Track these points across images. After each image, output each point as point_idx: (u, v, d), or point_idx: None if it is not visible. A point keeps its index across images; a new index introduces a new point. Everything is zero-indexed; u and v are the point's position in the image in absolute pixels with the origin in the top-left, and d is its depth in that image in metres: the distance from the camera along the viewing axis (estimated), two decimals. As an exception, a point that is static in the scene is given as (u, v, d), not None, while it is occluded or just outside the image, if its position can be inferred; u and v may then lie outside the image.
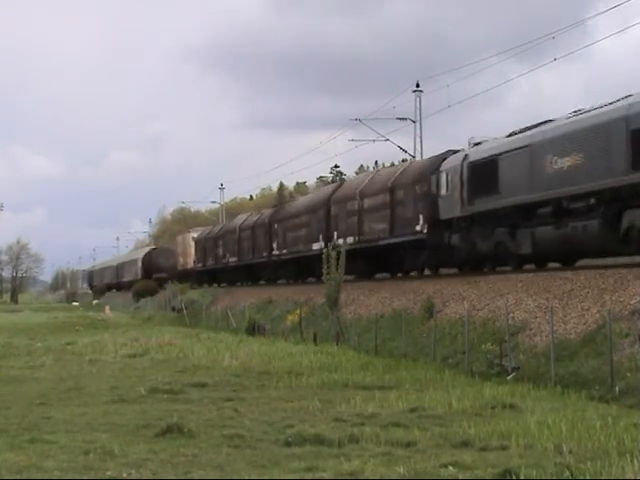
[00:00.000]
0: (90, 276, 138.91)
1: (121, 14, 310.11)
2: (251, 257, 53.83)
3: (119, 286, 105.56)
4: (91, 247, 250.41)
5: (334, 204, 41.03)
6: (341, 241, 37.24)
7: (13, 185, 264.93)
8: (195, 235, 72.38)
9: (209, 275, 66.56)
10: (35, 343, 33.30)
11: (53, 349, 30.30)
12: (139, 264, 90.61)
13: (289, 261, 47.11)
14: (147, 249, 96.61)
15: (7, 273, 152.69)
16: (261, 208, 73.30)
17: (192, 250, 71.41)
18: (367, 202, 37.41)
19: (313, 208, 43.89)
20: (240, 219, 61.00)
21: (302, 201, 50.06)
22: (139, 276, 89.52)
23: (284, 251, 47.44)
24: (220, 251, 61.96)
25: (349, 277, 36.06)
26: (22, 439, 12.51)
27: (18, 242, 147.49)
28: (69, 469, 10.46)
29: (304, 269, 44.96)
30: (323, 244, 39.19)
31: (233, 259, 58.29)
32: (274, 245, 49.01)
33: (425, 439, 12.16)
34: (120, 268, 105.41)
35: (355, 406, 15.40)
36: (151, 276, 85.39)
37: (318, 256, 34.60)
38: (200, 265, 67.69)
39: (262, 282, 53.73)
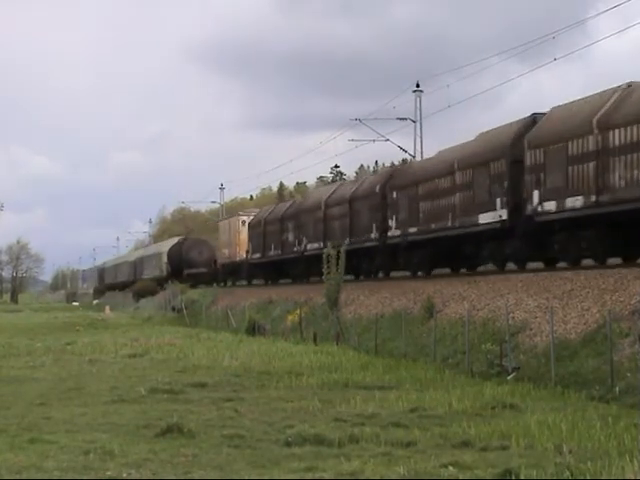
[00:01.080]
0: (100, 274, 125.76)
1: (123, 13, 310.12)
2: (350, 241, 38.27)
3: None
4: (91, 247, 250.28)
5: (534, 148, 25.96)
6: (551, 205, 24.93)
7: (14, 185, 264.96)
8: (248, 218, 58.18)
9: (270, 269, 52.31)
10: (35, 343, 33.28)
11: (53, 349, 30.28)
12: (164, 259, 76.95)
13: (422, 243, 33.51)
14: (174, 240, 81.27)
15: (7, 273, 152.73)
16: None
17: (243, 237, 57.27)
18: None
19: (482, 160, 29.07)
20: (324, 191, 46.89)
21: (449, 154, 32.98)
22: (164, 272, 75.95)
23: (412, 230, 33.93)
24: (289, 236, 47.76)
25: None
26: (22, 439, 12.51)
27: (18, 242, 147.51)
28: (69, 469, 10.46)
29: (452, 252, 31.97)
30: (504, 212, 27.46)
31: (314, 245, 43.21)
32: (391, 222, 36.04)
33: (425, 439, 12.16)
34: (139, 264, 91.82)
35: (355, 406, 15.40)
36: (181, 272, 71.57)
37: (490, 232, 27.55)
38: (257, 256, 53.37)
39: (380, 275, 39.45)
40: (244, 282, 58.88)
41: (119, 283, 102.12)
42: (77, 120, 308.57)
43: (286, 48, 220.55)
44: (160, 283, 74.75)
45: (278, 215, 50.58)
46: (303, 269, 45.31)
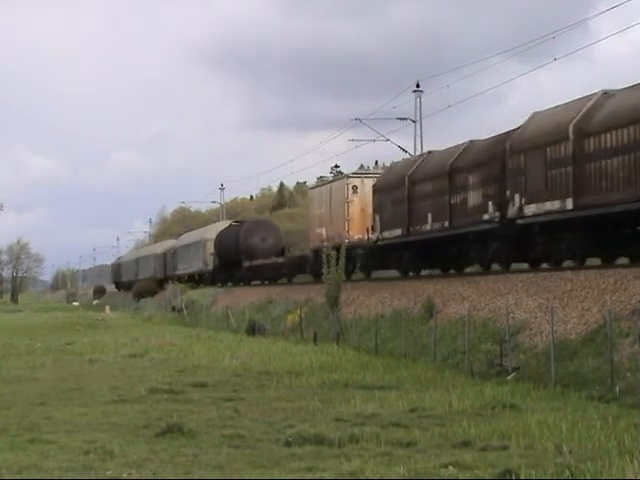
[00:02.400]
0: (116, 271, 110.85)
1: (124, 14, 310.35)
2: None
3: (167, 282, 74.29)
4: (91, 247, 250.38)
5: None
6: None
7: (15, 185, 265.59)
8: (365, 181, 39.88)
9: (421, 252, 33.22)
10: (35, 343, 33.29)
11: (53, 349, 30.30)
12: (209, 248, 61.79)
13: (576, 223, 23.81)
14: (222, 224, 65.72)
15: (7, 273, 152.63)
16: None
17: (355, 210, 39.45)
18: None
19: None
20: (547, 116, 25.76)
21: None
22: (209, 265, 62.04)
23: (554, 205, 24.12)
24: (472, 197, 29.14)
25: None
26: (22, 439, 12.52)
27: (18, 242, 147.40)
28: (69, 469, 10.47)
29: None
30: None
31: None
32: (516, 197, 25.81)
33: (425, 439, 12.16)
34: (171, 257, 76.66)
35: (355, 406, 15.40)
36: (238, 265, 55.15)
37: None
38: (395, 234, 34.49)
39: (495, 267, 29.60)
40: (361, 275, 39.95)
41: (141, 281, 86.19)
42: (78, 120, 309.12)
43: (287, 48, 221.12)
44: (203, 279, 62.96)
45: (441, 166, 31.48)
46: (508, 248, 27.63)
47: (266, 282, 52.72)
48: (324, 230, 42.06)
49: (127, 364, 24.42)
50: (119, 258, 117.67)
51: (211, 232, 64.17)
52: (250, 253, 54.01)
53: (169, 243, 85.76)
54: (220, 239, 59.52)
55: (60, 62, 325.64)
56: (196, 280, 68.10)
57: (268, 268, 52.04)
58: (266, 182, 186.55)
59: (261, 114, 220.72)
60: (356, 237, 39.04)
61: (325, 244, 37.45)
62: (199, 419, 14.09)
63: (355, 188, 39.78)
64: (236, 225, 59.82)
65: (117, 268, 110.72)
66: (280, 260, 50.78)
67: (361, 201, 39.48)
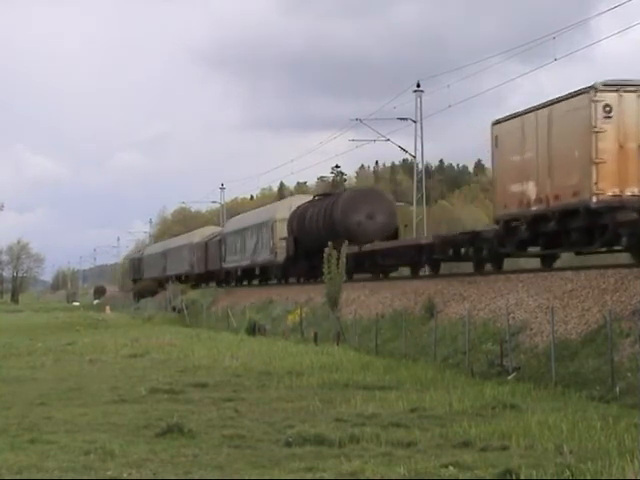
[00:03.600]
0: (135, 266, 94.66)
1: (125, 14, 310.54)
2: None
3: (210, 278, 63.77)
4: (92, 247, 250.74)
5: None
6: None
7: (16, 186, 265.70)
8: (633, 95, 22.79)
9: None
10: (35, 343, 33.28)
11: (53, 349, 30.29)
12: (279, 231, 46.86)
13: None
14: (297, 200, 49.58)
15: (7, 273, 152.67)
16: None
17: (622, 145, 22.64)
18: None
19: None
20: None
21: None
22: (280, 255, 46.61)
23: None
24: None
25: None
26: (22, 439, 12.51)
27: (18, 242, 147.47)
28: (69, 469, 10.46)
29: None
30: None
31: None
32: None
33: (425, 439, 12.15)
34: (216, 246, 60.75)
35: (355, 406, 15.39)
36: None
37: None
38: None
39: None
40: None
41: (168, 278, 72.94)
42: (78, 120, 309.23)
43: (288, 49, 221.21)
44: (268, 274, 49.77)
45: None
46: None
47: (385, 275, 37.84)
48: (531, 186, 25.41)
49: (127, 364, 24.41)
50: (139, 252, 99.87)
51: (282, 210, 48.44)
52: (352, 235, 36.48)
53: (209, 230, 71.81)
54: (299, 218, 43.08)
55: (61, 62, 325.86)
56: (256, 275, 54.01)
57: (393, 254, 35.70)
58: (266, 182, 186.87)
59: (262, 114, 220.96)
60: (612, 192, 22.62)
61: (534, 208, 24.75)
62: (199, 419, 14.08)
63: (608, 109, 22.69)
64: (326, 198, 42.78)
65: (137, 263, 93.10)
66: (422, 241, 34.02)
67: (619, 130, 22.82)
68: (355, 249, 35.73)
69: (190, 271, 68.54)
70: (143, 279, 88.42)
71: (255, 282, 57.13)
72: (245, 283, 58.72)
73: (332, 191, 48.72)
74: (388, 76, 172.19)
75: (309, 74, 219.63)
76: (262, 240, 51.20)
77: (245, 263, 54.71)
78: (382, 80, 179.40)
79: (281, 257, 47.06)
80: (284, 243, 46.12)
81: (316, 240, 38.91)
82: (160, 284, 77.39)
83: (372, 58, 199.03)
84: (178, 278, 70.67)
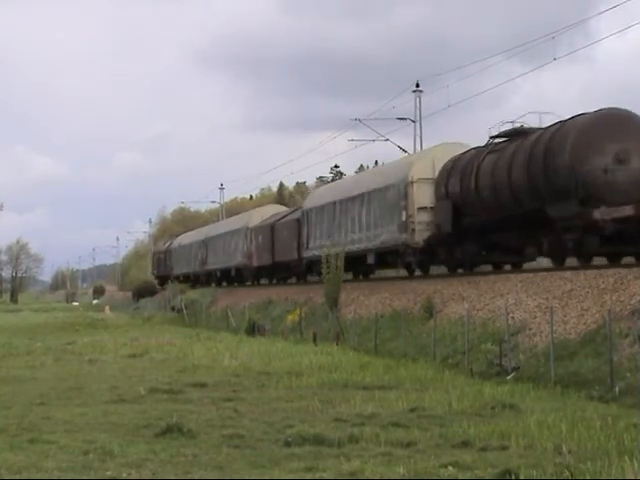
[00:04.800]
0: (160, 262, 79.94)
1: (127, 15, 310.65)
2: None
3: (278, 271, 49.48)
4: (91, 247, 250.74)
5: None
6: None
7: (16, 186, 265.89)
8: None
9: None
10: (35, 343, 33.28)
11: (53, 349, 30.28)
12: (415, 199, 32.14)
13: None
14: (453, 147, 33.00)
15: (7, 273, 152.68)
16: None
17: None
18: None
19: None
20: None
21: None
22: (419, 235, 31.88)
23: None
24: None
25: None
26: (22, 439, 12.50)
27: (18, 242, 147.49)
28: (69, 469, 10.46)
29: None
30: None
31: None
32: None
33: (425, 439, 12.15)
34: (292, 229, 45.70)
35: (355, 406, 15.39)
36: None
37: None
38: None
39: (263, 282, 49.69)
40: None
41: (210, 273, 62.77)
42: (79, 121, 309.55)
43: (289, 49, 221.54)
44: (392, 264, 35.88)
45: None
46: None
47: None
48: None
49: (127, 364, 24.41)
50: (167, 243, 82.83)
51: (423, 165, 32.80)
52: (592, 192, 23.61)
53: (270, 209, 57.14)
54: (462, 174, 29.17)
55: (62, 63, 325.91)
56: (370, 266, 37.43)
57: None
58: (266, 182, 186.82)
59: (262, 115, 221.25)
60: None
61: None
62: (199, 419, 14.08)
63: None
64: (521, 137, 27.15)
65: (164, 257, 78.56)
66: None
67: None
68: (627, 211, 22.34)
69: (246, 263, 52.78)
70: (173, 275, 72.82)
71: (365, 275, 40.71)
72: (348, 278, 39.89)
73: (529, 128, 27.22)
74: (388, 76, 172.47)
75: (310, 74, 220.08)
76: (382, 212, 34.40)
77: (353, 248, 36.26)
78: (382, 80, 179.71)
79: (421, 236, 31.68)
80: (425, 215, 31.91)
81: (503, 205, 27.12)
82: (196, 281, 66.09)
83: (372, 58, 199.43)
84: (225, 273, 58.77)
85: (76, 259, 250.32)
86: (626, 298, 19.36)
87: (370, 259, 36.42)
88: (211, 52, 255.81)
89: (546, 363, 18.76)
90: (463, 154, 30.65)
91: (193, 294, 62.12)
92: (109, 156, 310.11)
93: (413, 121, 51.20)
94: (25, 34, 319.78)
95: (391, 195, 33.88)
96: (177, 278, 71.79)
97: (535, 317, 21.65)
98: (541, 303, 22.04)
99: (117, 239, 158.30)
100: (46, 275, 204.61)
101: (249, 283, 56.32)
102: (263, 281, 53.89)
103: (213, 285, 63.23)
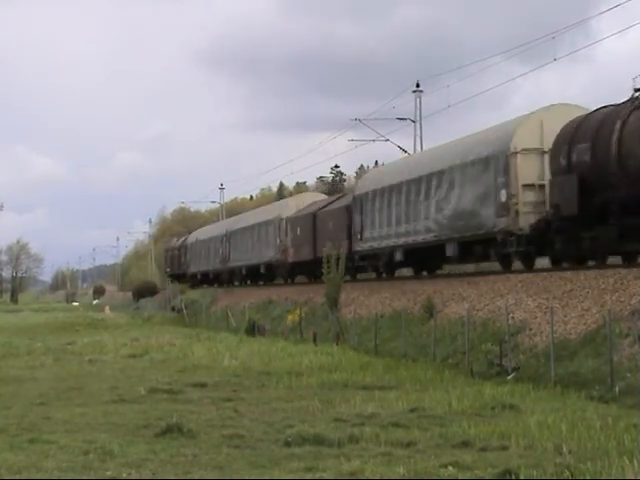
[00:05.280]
0: (173, 259, 73.11)
1: (126, 15, 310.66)
2: None
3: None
4: (91, 247, 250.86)
5: None
6: None
7: (17, 186, 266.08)
8: None
9: None
10: (35, 343, 33.28)
11: (53, 349, 30.28)
12: (519, 169, 25.97)
13: None
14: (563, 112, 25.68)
15: (7, 273, 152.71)
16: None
17: None
18: None
19: None
20: None
21: None
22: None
23: None
24: None
25: None
26: (22, 439, 12.50)
27: (18, 242, 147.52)
28: (69, 469, 10.45)
29: None
30: None
31: None
32: None
33: (425, 439, 12.15)
34: (335, 217, 40.35)
35: (355, 406, 15.39)
36: None
37: None
38: None
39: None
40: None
41: (233, 270, 56.29)
42: (80, 121, 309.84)
43: (289, 49, 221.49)
44: (482, 256, 29.78)
45: None
46: None
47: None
48: None
49: (127, 364, 24.41)
50: (182, 239, 73.70)
51: (528, 132, 26.88)
52: None
53: (307, 197, 50.08)
54: (595, 138, 23.16)
55: (62, 63, 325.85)
56: (447, 260, 32.00)
57: None
58: (266, 182, 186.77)
59: (262, 115, 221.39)
60: None
61: None
62: (199, 419, 14.07)
63: None
64: None
65: (178, 253, 71.64)
66: None
67: None
68: None
69: (279, 259, 46.05)
70: (189, 274, 67.73)
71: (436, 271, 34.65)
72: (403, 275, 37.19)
73: None
74: (388, 76, 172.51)
75: (310, 74, 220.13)
76: (472, 192, 28.49)
77: (426, 237, 31.33)
78: (382, 80, 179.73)
79: (526, 220, 26.03)
80: (531, 195, 26.25)
81: None
82: (216, 280, 60.51)
83: (372, 58, 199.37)
84: (252, 271, 52.11)
85: (76, 259, 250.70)
86: (626, 298, 19.35)
87: (450, 250, 29.98)
88: (211, 52, 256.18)
89: (546, 363, 18.75)
90: (591, 114, 24.04)
91: (193, 294, 62.13)
92: (109, 156, 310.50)
93: (413, 121, 51.20)
94: (25, 34, 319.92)
95: (485, 171, 27.74)
96: (194, 277, 66.75)
97: (535, 317, 21.65)
98: (541, 303, 22.03)
99: (117, 239, 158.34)
100: (46, 275, 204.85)
101: (281, 282, 49.65)
102: (300, 279, 46.94)
103: (237, 284, 56.78)
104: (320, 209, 43.21)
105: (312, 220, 42.86)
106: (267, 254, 49.02)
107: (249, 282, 55.36)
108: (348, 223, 38.22)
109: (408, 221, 32.37)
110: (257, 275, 52.68)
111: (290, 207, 48.76)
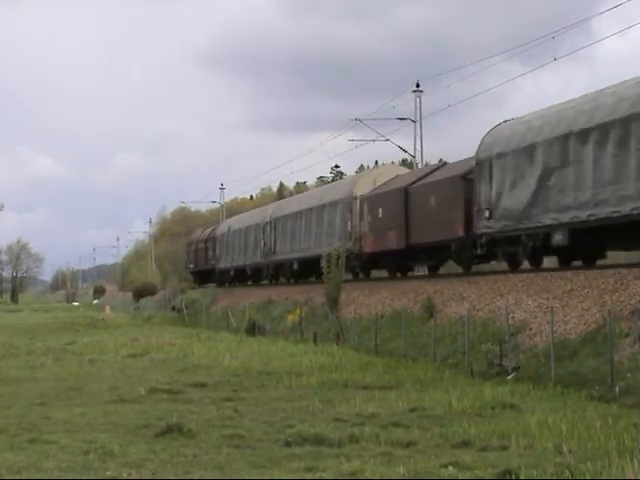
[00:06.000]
0: (198, 253, 64.54)
1: (128, 16, 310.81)
2: None
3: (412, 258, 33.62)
4: (91, 247, 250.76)
5: None
6: None
7: (17, 185, 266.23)
8: None
9: None
10: (35, 343, 33.29)
11: (53, 349, 30.28)
12: None
13: None
14: None
15: (7, 273, 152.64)
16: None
17: None
18: None
19: None
20: None
21: None
22: None
23: None
24: None
25: None
26: (22, 439, 12.50)
27: (18, 242, 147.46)
28: (69, 469, 10.45)
29: None
30: None
31: None
32: None
33: (425, 439, 12.15)
34: (442, 190, 30.38)
35: (355, 406, 15.39)
36: None
37: None
38: None
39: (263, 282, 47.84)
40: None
41: (279, 265, 47.55)
42: (81, 121, 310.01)
43: (289, 49, 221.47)
44: None
45: None
46: None
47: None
48: None
49: (127, 364, 24.40)
50: (209, 229, 65.16)
51: None
52: None
53: (388, 170, 40.24)
54: None
55: (62, 63, 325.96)
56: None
57: None
58: (266, 182, 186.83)
59: (263, 115, 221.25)
60: None
61: None
62: (199, 419, 14.08)
63: None
64: None
65: (205, 247, 62.84)
66: None
67: None
68: None
69: (351, 249, 36.48)
70: (218, 270, 58.60)
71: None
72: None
73: None
74: (388, 76, 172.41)
75: (310, 74, 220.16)
76: None
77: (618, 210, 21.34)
78: (382, 80, 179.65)
79: None
80: None
81: None
82: (255, 276, 52.28)
83: (373, 58, 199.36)
84: (307, 265, 42.44)
85: (76, 259, 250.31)
86: (626, 298, 19.35)
87: None
88: (211, 52, 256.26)
89: (546, 363, 18.75)
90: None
91: (193, 294, 62.12)
92: (109, 156, 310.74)
93: (413, 121, 51.16)
94: (26, 34, 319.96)
95: None
96: (224, 273, 57.66)
97: (535, 317, 21.64)
98: (541, 303, 22.03)
99: (117, 239, 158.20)
100: (46, 275, 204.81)
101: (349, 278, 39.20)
102: (376, 273, 39.06)
103: (283, 281, 48.71)
104: (414, 183, 33.29)
105: (403, 197, 33.08)
106: (331, 244, 37.90)
107: (303, 279, 45.18)
108: (465, 197, 28.59)
109: (582, 187, 22.59)
110: (315, 270, 40.79)
111: (365, 183, 38.90)
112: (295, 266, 45.13)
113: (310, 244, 42.12)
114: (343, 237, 38.12)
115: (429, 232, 30.97)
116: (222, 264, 58.06)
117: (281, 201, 58.39)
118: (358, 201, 37.43)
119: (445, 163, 34.41)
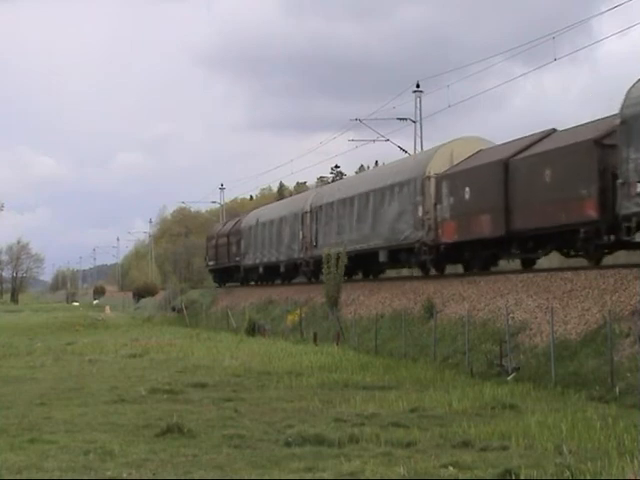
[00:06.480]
0: (218, 248, 57.42)
1: (128, 16, 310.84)
2: None
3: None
4: (91, 247, 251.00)
5: None
6: None
7: (18, 186, 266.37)
8: None
9: None
10: (35, 343, 33.29)
11: (53, 349, 30.29)
12: None
13: None
14: None
15: (7, 273, 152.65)
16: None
17: None
18: None
19: None
20: None
21: None
22: None
23: None
24: None
25: None
26: (22, 439, 12.50)
27: (18, 242, 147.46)
28: (69, 469, 10.45)
29: None
30: None
31: None
32: None
33: (425, 439, 12.15)
34: (566, 162, 23.02)
35: (355, 406, 15.39)
36: None
37: None
38: None
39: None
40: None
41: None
42: (81, 121, 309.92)
43: (290, 50, 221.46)
44: None
45: None
46: None
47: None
48: None
49: (127, 364, 24.40)
50: (233, 222, 57.38)
51: None
52: None
53: (467, 145, 31.35)
54: None
55: (63, 63, 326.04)
56: None
57: None
58: (266, 182, 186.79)
59: (263, 115, 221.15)
60: None
61: None
62: (199, 419, 14.08)
63: None
64: None
65: (230, 241, 55.40)
66: None
67: None
68: None
69: (423, 240, 30.62)
70: (244, 267, 52.20)
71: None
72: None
73: None
74: (389, 76, 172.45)
75: (310, 75, 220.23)
76: None
77: None
78: (383, 80, 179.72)
79: None
80: None
81: None
82: (291, 273, 46.16)
83: (373, 58, 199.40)
84: (363, 258, 35.82)
85: (77, 259, 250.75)
86: (626, 298, 19.35)
87: None
88: (212, 52, 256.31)
89: (546, 363, 18.75)
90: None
91: (193, 294, 62.12)
92: (110, 156, 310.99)
93: (413, 121, 51.11)
94: (27, 34, 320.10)
95: None
96: (252, 270, 51.34)
97: (535, 317, 21.64)
98: (541, 303, 22.03)
99: (117, 239, 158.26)
100: (47, 275, 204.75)
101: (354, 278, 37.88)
102: (450, 269, 33.54)
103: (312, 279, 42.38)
104: (515, 154, 26.64)
105: (502, 173, 26.47)
106: (399, 234, 32.29)
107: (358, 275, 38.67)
108: (599, 167, 22.15)
109: None
110: (373, 265, 36.01)
111: (441, 160, 31.32)
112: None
113: (365, 235, 35.20)
114: (411, 225, 31.65)
115: (541, 215, 24.61)
116: (249, 260, 51.20)
117: (325, 187, 51.08)
118: (433, 181, 30.65)
119: (554, 129, 27.01)
